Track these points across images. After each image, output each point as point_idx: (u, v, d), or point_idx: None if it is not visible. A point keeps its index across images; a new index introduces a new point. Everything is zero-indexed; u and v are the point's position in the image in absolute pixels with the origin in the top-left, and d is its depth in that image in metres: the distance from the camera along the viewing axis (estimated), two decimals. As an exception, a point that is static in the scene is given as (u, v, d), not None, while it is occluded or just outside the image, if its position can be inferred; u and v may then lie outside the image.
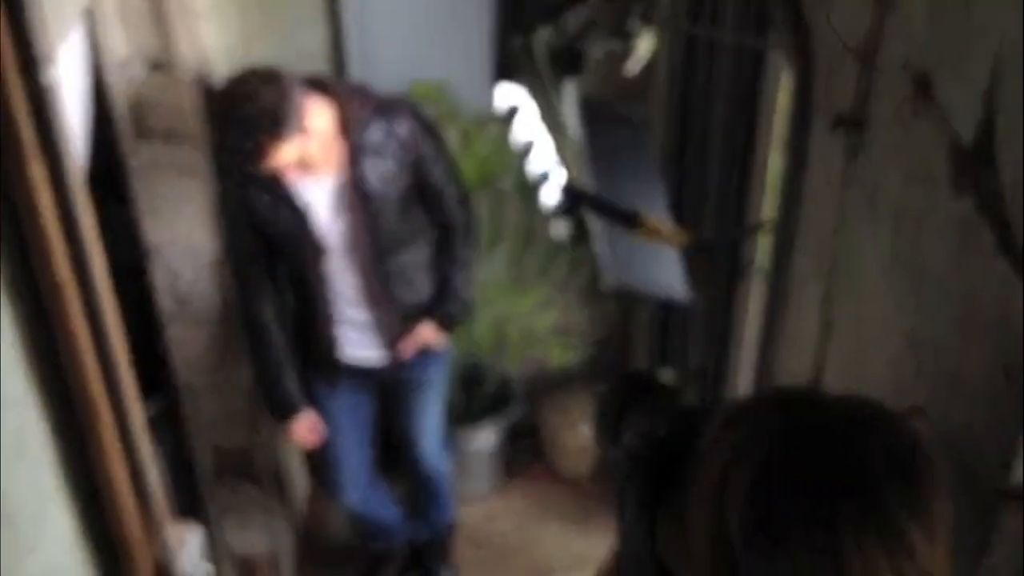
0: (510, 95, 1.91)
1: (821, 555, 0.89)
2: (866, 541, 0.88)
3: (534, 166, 1.98)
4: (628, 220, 1.92)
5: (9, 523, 1.50)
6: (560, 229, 2.09)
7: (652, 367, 3.32)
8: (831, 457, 0.94)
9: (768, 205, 2.99)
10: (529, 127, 1.95)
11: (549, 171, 1.98)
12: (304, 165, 2.59)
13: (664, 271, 2.14)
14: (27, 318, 1.55)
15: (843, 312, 1.60)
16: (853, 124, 1.47)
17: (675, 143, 3.05)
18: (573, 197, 1.94)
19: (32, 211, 1.47)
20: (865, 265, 1.46)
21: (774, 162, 2.57)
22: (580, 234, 2.04)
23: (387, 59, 3.26)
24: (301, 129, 2.49)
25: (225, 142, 2.52)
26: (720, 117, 2.80)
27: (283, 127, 2.44)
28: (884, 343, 1.40)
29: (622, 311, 3.79)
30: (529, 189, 3.46)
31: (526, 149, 1.98)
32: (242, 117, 2.42)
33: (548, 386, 3.88)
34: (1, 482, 1.48)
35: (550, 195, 2.02)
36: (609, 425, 1.31)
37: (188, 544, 2.02)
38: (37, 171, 1.46)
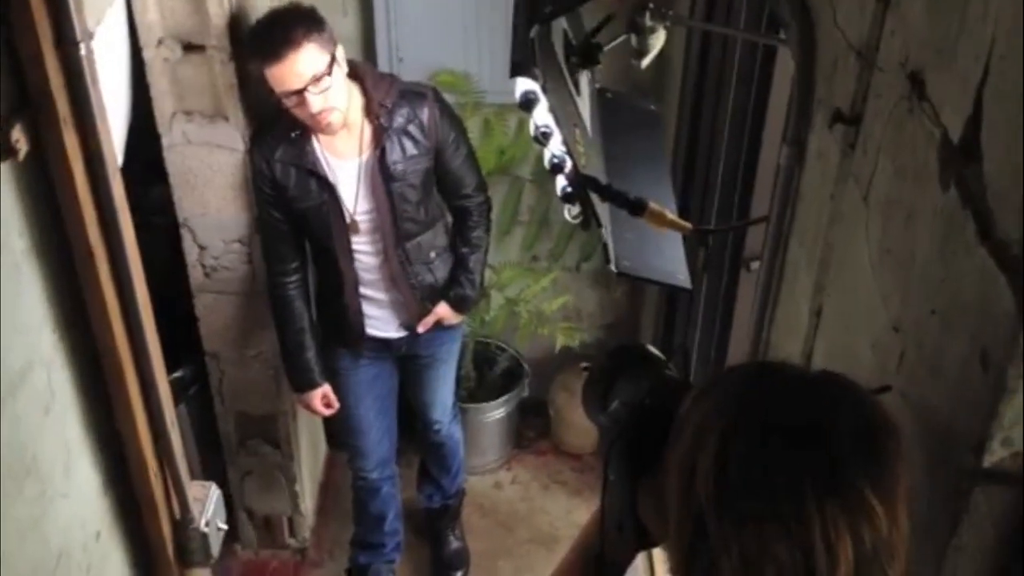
0: (526, 85, 1.89)
1: (785, 518, 0.89)
2: (827, 505, 0.88)
3: (548, 154, 1.97)
4: (633, 206, 1.90)
5: (38, 473, 1.52)
6: (571, 214, 2.08)
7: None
8: (797, 425, 0.93)
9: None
10: (544, 117, 1.94)
11: (562, 159, 1.96)
12: (331, 125, 2.55)
13: (668, 259, 2.13)
14: (57, 282, 1.57)
15: (832, 301, 1.58)
16: (850, 120, 1.45)
17: (686, 136, 3.03)
18: (582, 184, 1.92)
19: (66, 181, 1.48)
20: (856, 257, 1.45)
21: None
22: (588, 220, 2.03)
23: (415, 48, 3.26)
24: (332, 45, 2.47)
25: (255, 36, 2.48)
26: (731, 112, 2.79)
27: (316, 24, 2.43)
28: (870, 331, 1.39)
29: (631, 297, 3.78)
30: (545, 176, 3.45)
31: (541, 137, 1.96)
32: (279, 12, 2.44)
33: (557, 365, 3.88)
34: (25, 435, 1.49)
35: (562, 182, 2.00)
36: (598, 394, 1.30)
37: (206, 502, 2.03)
38: (70, 141, 1.46)
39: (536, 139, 2.06)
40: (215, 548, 2.04)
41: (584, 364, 3.83)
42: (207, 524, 2.00)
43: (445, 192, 2.87)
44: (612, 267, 1.95)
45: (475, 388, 3.79)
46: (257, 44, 2.45)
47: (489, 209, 2.96)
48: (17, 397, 1.45)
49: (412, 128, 2.69)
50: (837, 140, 1.52)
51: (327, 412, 3.03)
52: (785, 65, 2.65)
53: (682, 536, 0.97)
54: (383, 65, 3.23)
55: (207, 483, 2.06)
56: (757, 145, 2.84)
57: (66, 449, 1.63)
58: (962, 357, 1.01)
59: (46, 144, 1.45)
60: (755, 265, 3.01)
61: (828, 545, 0.87)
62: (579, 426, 3.95)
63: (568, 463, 4.02)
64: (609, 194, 1.93)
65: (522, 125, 3.35)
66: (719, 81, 2.80)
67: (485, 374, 3.84)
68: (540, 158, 3.40)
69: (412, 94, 2.71)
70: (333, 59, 2.46)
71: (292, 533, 3.58)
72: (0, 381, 1.41)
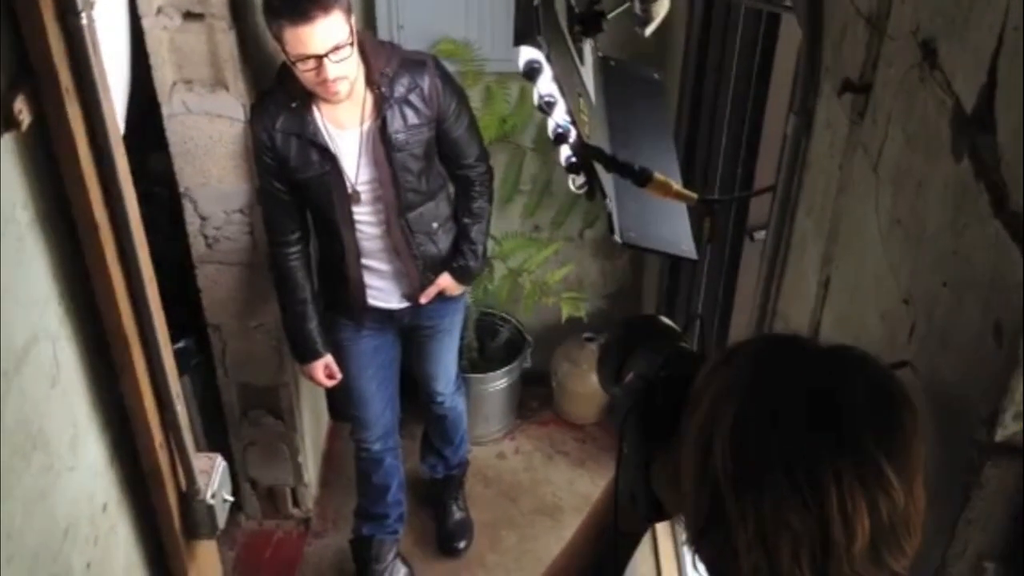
0: (530, 54, 1.87)
1: (801, 489, 0.89)
2: (844, 476, 0.88)
3: (552, 124, 1.96)
4: (639, 177, 1.89)
5: (46, 446, 1.52)
6: (575, 184, 2.07)
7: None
8: (812, 395, 0.93)
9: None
10: (548, 86, 1.92)
11: (566, 129, 1.95)
12: (339, 93, 2.54)
13: (673, 228, 2.12)
14: (62, 255, 1.56)
15: (841, 272, 1.58)
16: (860, 89, 1.44)
17: (688, 105, 3.02)
18: (587, 154, 1.91)
19: (69, 153, 1.47)
20: (865, 227, 1.44)
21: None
22: (593, 190, 2.02)
23: (415, 16, 3.23)
24: (351, 14, 2.44)
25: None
26: (734, 80, 2.77)
27: None
28: (879, 302, 1.39)
29: (634, 266, 3.77)
30: (546, 145, 3.44)
31: (545, 107, 1.95)
32: None
33: (559, 336, 3.89)
34: (31, 409, 1.50)
35: (566, 152, 1.99)
36: (612, 366, 1.30)
37: (212, 474, 2.04)
38: (73, 112, 1.46)
39: (540, 108, 2.04)
40: (221, 520, 2.05)
41: (587, 334, 3.85)
42: (213, 496, 2.01)
43: (447, 162, 2.86)
44: (617, 238, 1.94)
45: (477, 358, 3.80)
46: (284, 3, 2.41)
47: (491, 179, 2.96)
48: (22, 371, 1.45)
49: (413, 97, 2.68)
50: (846, 109, 1.51)
51: (330, 383, 3.03)
52: (789, 32, 2.64)
53: (698, 508, 0.97)
54: (383, 33, 3.21)
55: (213, 455, 2.07)
56: (760, 114, 2.82)
57: (73, 422, 1.64)
58: (975, 330, 1.01)
59: (48, 115, 1.44)
60: (759, 235, 3.01)
61: (845, 516, 0.88)
62: (581, 396, 3.97)
63: (571, 433, 4.03)
64: (615, 164, 1.92)
65: (524, 93, 3.34)
66: (722, 49, 2.79)
67: (487, 344, 3.85)
68: (542, 127, 3.40)
69: (412, 63, 2.69)
70: (352, 28, 2.45)
71: (296, 503, 3.60)
72: (4, 355, 1.41)
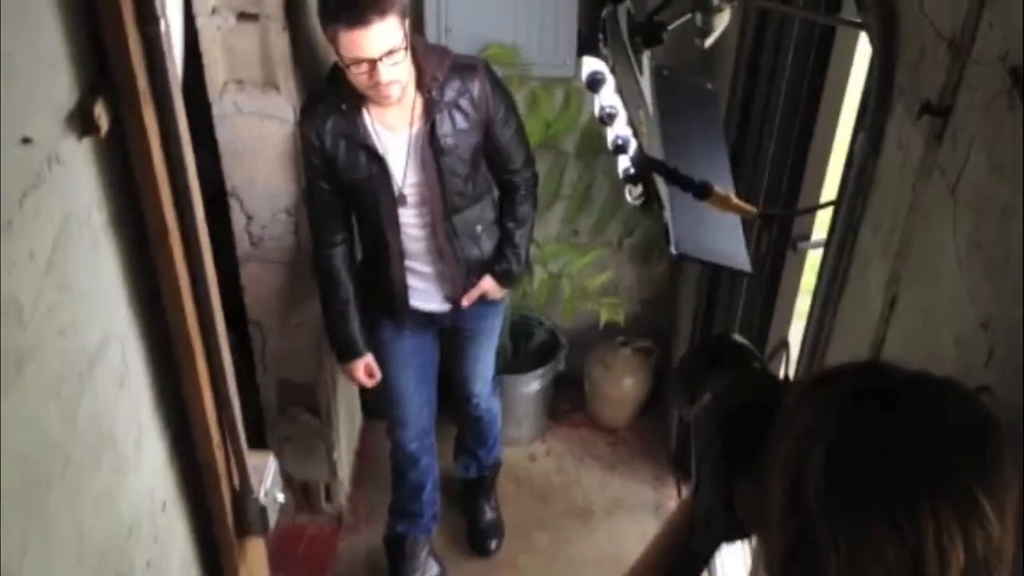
0: (594, 65, 1.86)
1: (898, 523, 0.88)
2: (942, 511, 0.87)
3: (612, 135, 1.95)
4: (699, 190, 1.88)
5: (114, 446, 1.53)
6: (632, 195, 2.06)
7: (703, 329, 3.30)
8: (907, 427, 0.92)
9: (828, 182, 2.96)
10: (610, 97, 1.91)
11: (626, 140, 1.94)
12: (390, 97, 2.54)
13: (727, 241, 2.11)
14: (131, 258, 1.56)
15: (910, 293, 1.56)
16: (938, 112, 1.42)
17: (736, 117, 3.00)
18: (646, 166, 1.90)
19: (144, 158, 1.47)
20: (939, 249, 1.43)
21: (839, 141, 2.52)
22: (649, 201, 2.01)
23: (463, 20, 3.22)
24: (406, 18, 2.44)
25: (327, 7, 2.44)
26: (784, 94, 2.75)
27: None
28: (954, 326, 1.37)
29: (671, 272, 3.76)
30: (588, 151, 3.43)
31: (606, 118, 1.94)
32: None
33: (593, 339, 3.88)
34: (102, 410, 1.50)
35: (624, 163, 1.98)
36: (687, 386, 1.29)
37: (263, 472, 2.04)
38: (149, 119, 1.45)
39: (601, 120, 2.04)
40: (272, 518, 2.05)
41: (621, 338, 3.84)
42: (265, 494, 2.01)
43: (493, 166, 2.86)
44: (672, 249, 1.93)
45: (511, 360, 3.79)
46: (340, 7, 2.40)
47: (536, 184, 2.95)
48: (95, 372, 1.46)
49: (463, 102, 2.67)
50: (922, 131, 1.49)
51: (370, 382, 3.03)
52: (843, 48, 2.63)
53: (786, 535, 0.96)
54: (431, 36, 3.20)
55: (265, 453, 2.07)
56: (810, 128, 2.81)
57: (137, 422, 1.64)
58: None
59: (125, 120, 1.44)
60: (803, 244, 3.00)
61: (940, 550, 0.87)
62: (614, 400, 3.96)
63: (602, 436, 4.03)
64: (675, 177, 1.91)
65: (568, 99, 3.33)
66: (774, 62, 2.77)
67: (521, 346, 3.84)
68: (584, 133, 3.39)
69: (464, 67, 2.68)
70: (406, 33, 2.44)
71: (329, 499, 3.61)
72: (80, 356, 1.41)
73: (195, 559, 1.95)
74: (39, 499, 1.31)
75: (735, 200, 1.92)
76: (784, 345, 1.25)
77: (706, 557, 1.29)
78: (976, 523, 0.87)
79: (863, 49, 2.78)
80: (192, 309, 1.68)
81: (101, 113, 1.37)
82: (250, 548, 2.10)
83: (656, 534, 1.31)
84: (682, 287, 3.74)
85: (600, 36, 1.90)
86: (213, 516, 1.94)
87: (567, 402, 4.09)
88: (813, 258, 3.27)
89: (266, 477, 2.03)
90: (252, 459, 2.00)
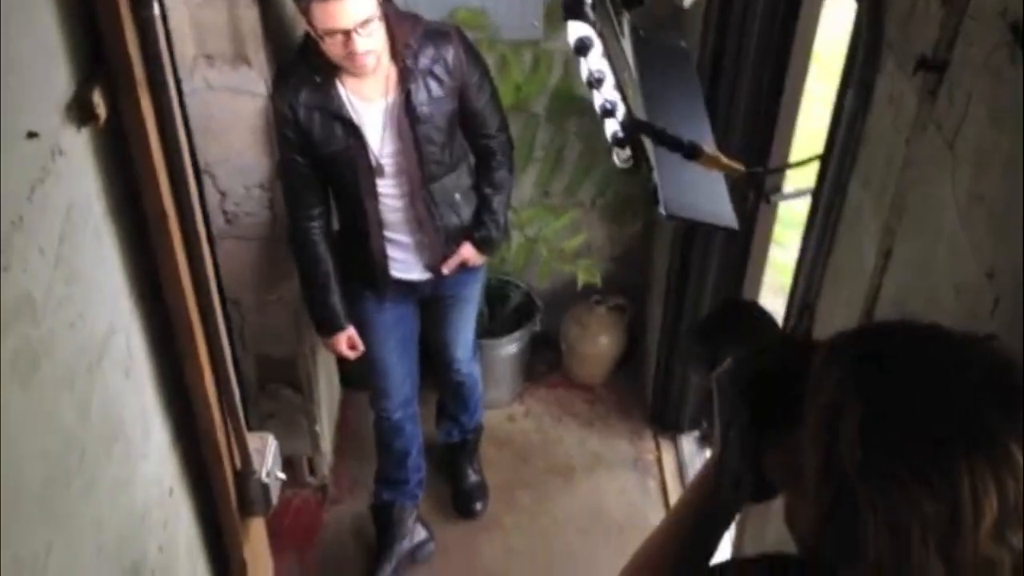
0: (581, 30, 1.86)
1: (934, 477, 0.90)
2: (977, 464, 0.89)
3: (600, 99, 1.95)
4: (689, 151, 1.89)
5: (124, 436, 1.52)
6: (620, 158, 2.07)
7: (679, 285, 3.33)
8: (935, 383, 0.95)
9: (799, 136, 2.99)
10: (598, 61, 1.91)
11: (614, 104, 1.94)
12: (366, 67, 2.52)
13: (713, 199, 2.12)
14: (130, 246, 1.55)
15: (906, 245, 1.60)
16: (933, 67, 1.44)
17: (707, 75, 3.01)
18: (635, 129, 1.90)
19: (142, 144, 1.45)
20: (938, 202, 1.45)
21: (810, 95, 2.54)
22: (638, 163, 2.02)
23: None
24: None
25: None
26: (755, 47, 2.77)
27: None
28: (955, 276, 1.40)
29: (644, 231, 3.78)
30: (559, 113, 3.43)
31: (594, 82, 1.94)
32: None
33: (568, 300, 3.90)
34: (111, 400, 1.49)
35: (612, 126, 1.98)
36: (705, 351, 1.31)
37: (264, 452, 2.04)
38: (146, 105, 1.43)
39: (589, 84, 2.03)
40: (275, 497, 2.05)
41: (596, 297, 3.87)
42: (267, 474, 2.02)
43: (469, 132, 2.84)
44: (662, 210, 1.94)
45: (488, 324, 3.80)
46: None
47: (512, 149, 2.94)
48: (103, 363, 1.44)
49: (437, 69, 2.65)
50: (916, 86, 1.51)
51: (352, 355, 3.03)
52: (811, 2, 2.64)
53: (821, 495, 0.98)
54: (397, 2, 3.15)
55: (264, 434, 2.07)
56: (780, 83, 2.83)
57: (143, 410, 1.63)
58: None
59: (122, 107, 1.42)
60: (775, 197, 3.03)
61: (975, 500, 0.89)
62: (591, 358, 4.00)
63: (579, 395, 4.06)
64: (665, 139, 1.92)
65: (538, 61, 3.32)
66: (743, 18, 2.77)
67: (497, 310, 3.85)
68: (554, 95, 3.39)
69: (436, 34, 2.66)
70: (379, 2, 2.41)
71: (312, 472, 3.61)
72: (89, 348, 1.40)
73: (200, 541, 1.96)
74: (60, 494, 1.31)
75: (724, 159, 1.93)
76: (807, 308, 1.27)
77: (730, 519, 1.32)
78: (1008, 472, 0.90)
79: (832, 2, 2.81)
80: (192, 293, 1.66)
81: (99, 101, 1.35)
82: (252, 527, 2.11)
83: (678, 499, 1.33)
84: (655, 244, 3.77)
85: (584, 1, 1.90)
86: (217, 498, 1.94)
87: (543, 363, 4.12)
88: (783, 211, 3.32)
89: (267, 456, 2.03)
90: (252, 440, 2.00)
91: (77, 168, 1.34)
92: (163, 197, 1.51)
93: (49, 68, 1.26)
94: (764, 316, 1.33)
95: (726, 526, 1.33)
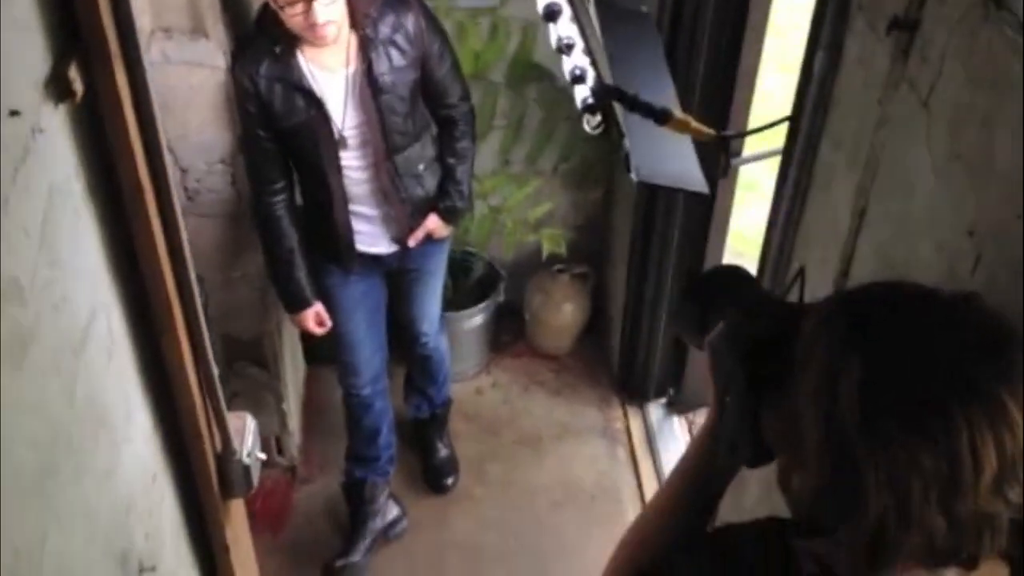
0: (547, -3, 1.86)
1: (933, 433, 0.93)
2: (974, 417, 0.92)
3: (570, 65, 1.96)
4: (659, 115, 1.91)
5: (105, 421, 1.51)
6: (590, 124, 2.08)
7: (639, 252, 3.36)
8: (929, 341, 0.97)
9: (756, 98, 3.03)
10: (568, 28, 1.92)
11: (584, 70, 1.95)
12: (326, 37, 2.51)
13: (683, 164, 2.15)
14: (107, 224, 1.53)
15: (881, 205, 1.63)
16: (905, 27, 1.47)
17: (666, 35, 3.03)
18: (606, 94, 1.92)
19: (118, 120, 1.44)
20: (913, 161, 1.49)
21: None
22: (609, 129, 2.04)
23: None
24: None
25: None
26: (712, 9, 2.79)
27: None
28: (934, 234, 1.44)
29: (605, 198, 3.80)
30: (519, 80, 3.43)
31: (564, 48, 1.95)
32: None
33: (530, 268, 3.92)
34: (96, 384, 1.48)
35: (583, 92, 2.00)
36: (695, 316, 1.33)
37: (243, 433, 2.03)
38: (121, 80, 1.42)
39: (559, 50, 2.04)
40: (255, 478, 2.05)
41: (558, 266, 3.89)
42: (247, 455, 2.01)
43: (431, 102, 2.84)
44: (633, 175, 1.97)
45: (451, 296, 3.81)
46: None
47: (474, 118, 2.95)
48: (87, 346, 1.43)
49: (398, 38, 2.64)
50: (887, 46, 1.54)
51: (320, 330, 3.02)
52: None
53: (822, 455, 1.01)
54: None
55: (242, 413, 2.06)
56: (738, 46, 2.86)
57: (125, 395, 1.62)
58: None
59: (97, 82, 1.40)
60: (735, 161, 3.07)
61: (975, 455, 0.92)
62: (555, 327, 4.02)
63: (545, 364, 4.10)
64: (635, 104, 1.93)
65: (496, 29, 3.31)
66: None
67: (461, 282, 3.85)
68: (513, 62, 3.38)
69: (396, 2, 2.65)
70: None
71: (281, 451, 3.60)
72: (72, 333, 1.39)
73: (183, 525, 1.95)
74: (52, 482, 1.30)
75: (694, 123, 1.96)
76: (801, 272, 1.29)
77: (725, 485, 1.35)
78: (1005, 425, 0.93)
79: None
80: (169, 271, 1.65)
81: (75, 77, 1.33)
82: (233, 509, 2.10)
83: (674, 467, 1.36)
84: (616, 211, 3.79)
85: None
86: (198, 481, 1.93)
87: (508, 333, 4.14)
88: (744, 174, 3.36)
89: (247, 437, 2.03)
90: (232, 420, 2.00)
91: (56, 146, 1.32)
92: (139, 171, 1.50)
93: (26, 43, 1.24)
94: (750, 279, 1.35)
95: (722, 492, 1.36)
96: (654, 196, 3.32)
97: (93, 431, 1.46)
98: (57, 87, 1.30)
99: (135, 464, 1.65)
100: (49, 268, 1.29)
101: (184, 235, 1.68)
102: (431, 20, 2.70)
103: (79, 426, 1.40)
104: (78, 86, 1.33)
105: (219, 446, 1.97)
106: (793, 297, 1.32)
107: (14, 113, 1.17)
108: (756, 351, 1.18)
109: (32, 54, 1.26)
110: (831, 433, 0.99)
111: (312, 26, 2.43)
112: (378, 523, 3.35)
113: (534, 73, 3.36)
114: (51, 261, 1.30)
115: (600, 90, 2.00)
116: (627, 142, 2.00)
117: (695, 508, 1.34)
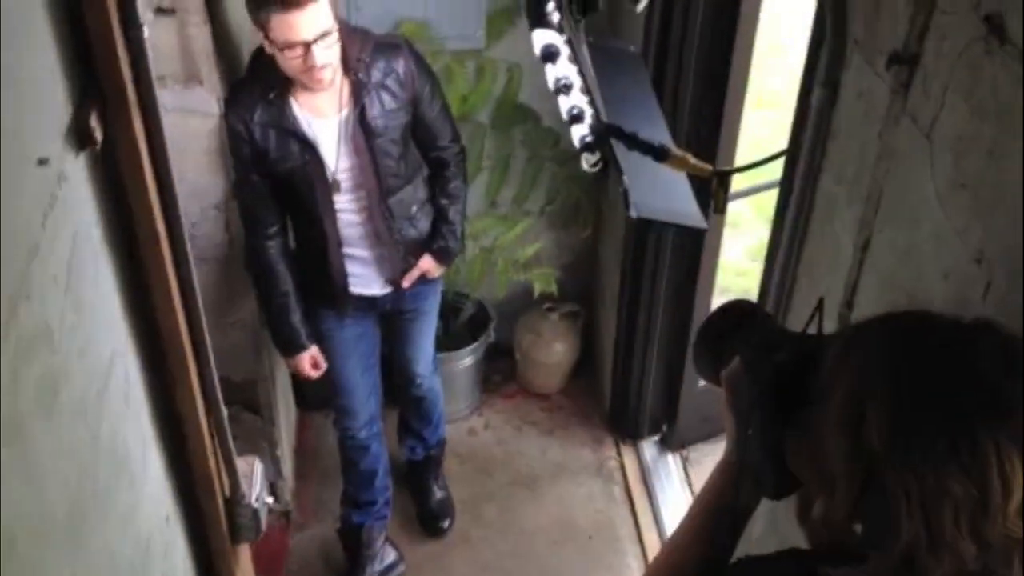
0: (546, 37, 1.91)
1: (963, 458, 0.95)
2: (1000, 439, 0.95)
3: (568, 105, 2.00)
4: (658, 153, 1.96)
5: (126, 462, 1.52)
6: (589, 163, 2.12)
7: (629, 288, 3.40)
8: (955, 367, 1.00)
9: (744, 135, 3.09)
10: (565, 68, 1.97)
11: (581, 110, 2.00)
12: (323, 81, 2.54)
13: (679, 200, 2.19)
14: (124, 270, 1.55)
15: (885, 235, 1.67)
16: (904, 61, 1.52)
17: (652, 73, 3.09)
18: (606, 133, 1.96)
19: (135, 168, 1.46)
20: (916, 191, 1.53)
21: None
22: (607, 167, 2.08)
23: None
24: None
25: None
26: (697, 48, 2.86)
27: None
28: (941, 263, 1.48)
29: (592, 235, 3.84)
30: (505, 122, 3.48)
31: (563, 89, 1.99)
32: None
33: (520, 308, 3.94)
34: (116, 427, 1.49)
35: (581, 132, 2.04)
36: (712, 352, 1.35)
37: (253, 478, 2.04)
38: (139, 128, 1.44)
39: (557, 91, 2.09)
40: (263, 521, 2.05)
41: (547, 305, 3.92)
42: (256, 498, 2.02)
43: (422, 144, 2.88)
44: (632, 213, 2.01)
45: (441, 336, 3.82)
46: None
47: (465, 159, 2.99)
48: (109, 390, 1.44)
49: (390, 82, 2.68)
50: (887, 80, 1.59)
51: (316, 374, 3.02)
52: (750, 8, 2.75)
53: (851, 483, 1.03)
54: (340, 14, 3.17)
55: (250, 458, 2.07)
56: (724, 82, 2.92)
57: (142, 438, 1.63)
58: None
59: (116, 131, 1.42)
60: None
61: (1004, 479, 0.94)
62: (546, 366, 4.04)
63: (537, 403, 4.11)
64: (635, 142, 1.98)
65: (482, 71, 3.37)
66: (685, 19, 2.85)
67: (451, 322, 3.87)
68: (500, 104, 3.44)
69: (387, 47, 2.69)
70: (336, 15, 2.44)
71: (275, 497, 3.57)
72: (96, 377, 1.40)
73: (194, 568, 1.95)
74: (79, 525, 1.30)
75: (692, 160, 2.00)
76: (820, 304, 1.31)
77: (747, 517, 1.36)
78: None
79: (770, 2, 2.92)
80: (183, 317, 1.67)
81: (96, 125, 1.35)
82: (241, 553, 2.10)
83: (695, 500, 1.38)
84: (604, 250, 3.83)
85: (548, 7, 1.95)
86: (209, 525, 1.93)
87: (498, 373, 4.15)
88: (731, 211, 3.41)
89: (255, 481, 2.03)
90: (240, 465, 2.00)
91: (78, 193, 1.34)
92: (155, 219, 1.52)
93: (51, 93, 1.26)
94: (765, 314, 1.38)
95: (744, 525, 1.38)
96: (643, 234, 3.36)
97: (116, 472, 1.47)
98: (79, 135, 1.33)
99: (151, 506, 1.66)
100: (75, 313, 1.30)
101: (196, 285, 1.70)
102: (421, 63, 2.75)
103: (103, 468, 1.41)
104: (98, 134, 1.36)
105: (228, 490, 1.97)
106: (811, 328, 1.35)
107: (43, 161, 1.19)
108: (779, 381, 1.20)
109: (56, 102, 1.28)
110: (858, 458, 1.01)
111: (310, 69, 2.47)
112: (376, 568, 3.34)
113: (519, 114, 3.41)
114: (76, 307, 1.31)
115: (600, 128, 2.04)
116: (626, 179, 2.04)
117: (717, 542, 1.36)
